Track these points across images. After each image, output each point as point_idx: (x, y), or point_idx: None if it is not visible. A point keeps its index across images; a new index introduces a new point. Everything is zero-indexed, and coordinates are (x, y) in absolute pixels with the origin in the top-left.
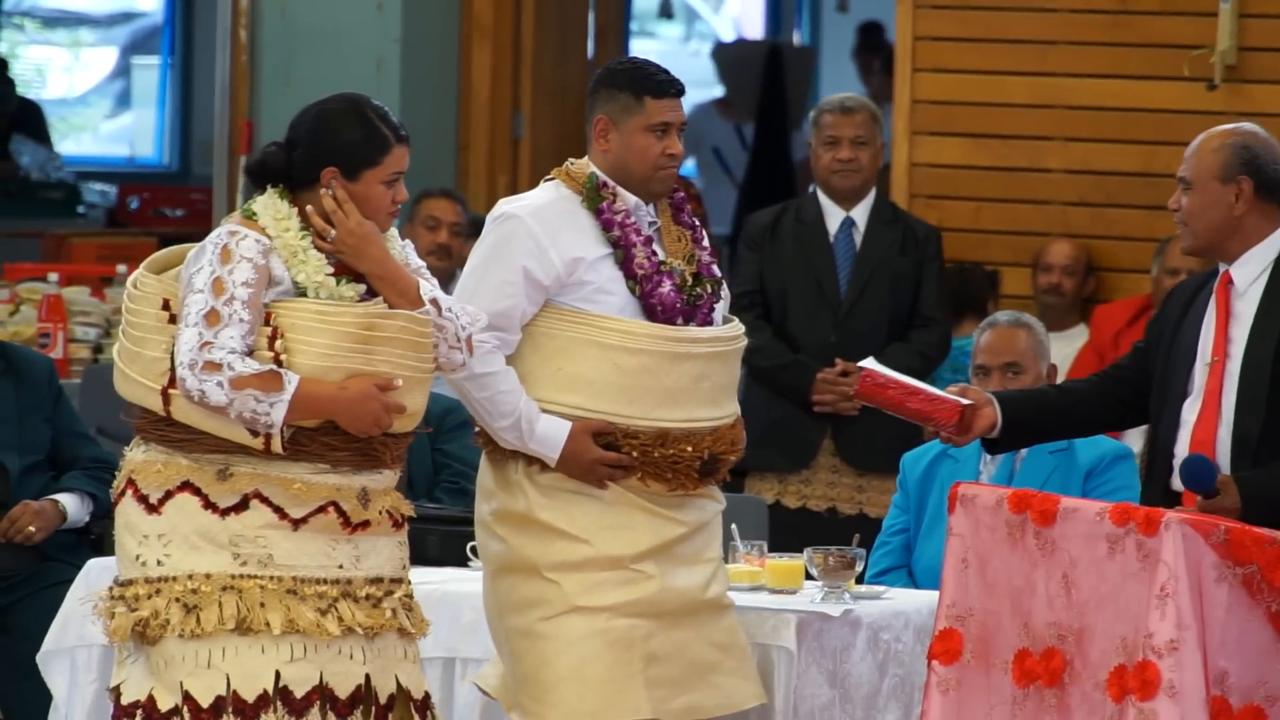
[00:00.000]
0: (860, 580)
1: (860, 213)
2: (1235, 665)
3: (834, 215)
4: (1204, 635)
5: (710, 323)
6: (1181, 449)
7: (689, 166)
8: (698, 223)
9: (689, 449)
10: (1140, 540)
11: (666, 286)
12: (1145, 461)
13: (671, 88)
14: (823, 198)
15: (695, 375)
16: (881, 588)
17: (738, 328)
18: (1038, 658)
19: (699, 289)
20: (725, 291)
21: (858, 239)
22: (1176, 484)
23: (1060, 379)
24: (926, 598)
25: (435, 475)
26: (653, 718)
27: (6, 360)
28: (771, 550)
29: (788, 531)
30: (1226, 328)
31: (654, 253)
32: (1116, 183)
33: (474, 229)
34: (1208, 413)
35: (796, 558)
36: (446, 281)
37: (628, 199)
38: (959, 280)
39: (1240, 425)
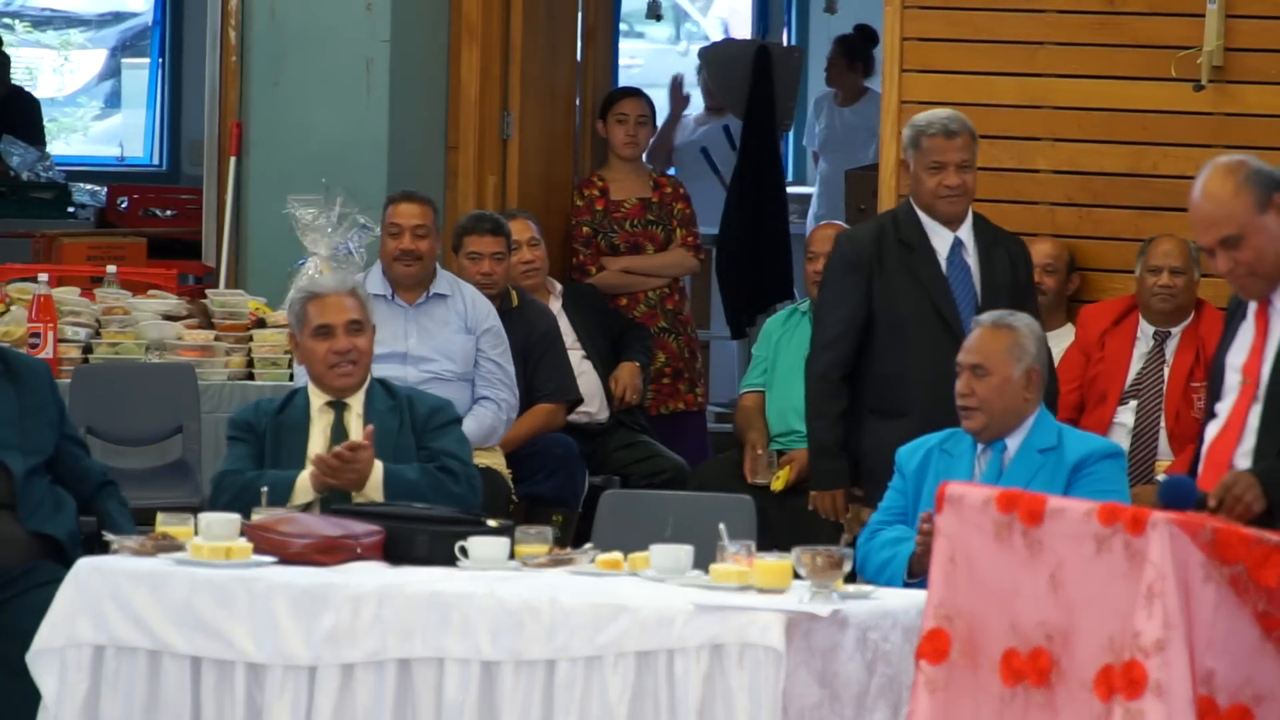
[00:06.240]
0: (851, 578)
1: (965, 233)
2: (1222, 664)
3: (941, 237)
4: (1191, 635)
5: None
6: (1198, 468)
7: (677, 167)
8: None
9: None
10: (1127, 540)
11: None
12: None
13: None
14: (924, 217)
15: None
16: (870, 587)
17: None
18: (1025, 657)
19: None
20: None
21: (970, 261)
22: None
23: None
24: (914, 597)
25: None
26: None
27: (5, 363)
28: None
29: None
30: (1262, 349)
31: None
32: (1104, 183)
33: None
34: (1229, 433)
35: (784, 557)
36: (415, 286)
37: None
38: None
39: (1259, 449)
